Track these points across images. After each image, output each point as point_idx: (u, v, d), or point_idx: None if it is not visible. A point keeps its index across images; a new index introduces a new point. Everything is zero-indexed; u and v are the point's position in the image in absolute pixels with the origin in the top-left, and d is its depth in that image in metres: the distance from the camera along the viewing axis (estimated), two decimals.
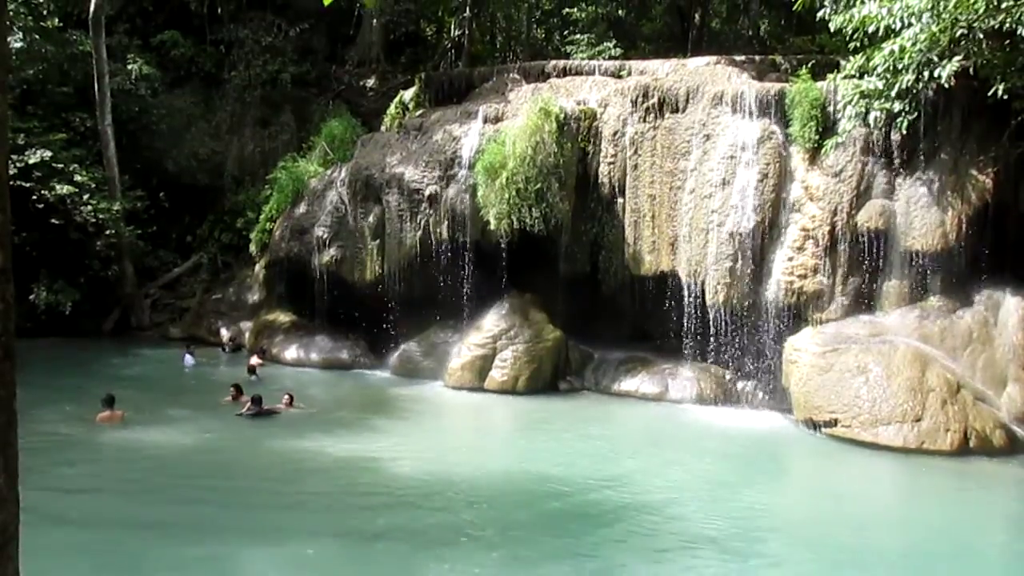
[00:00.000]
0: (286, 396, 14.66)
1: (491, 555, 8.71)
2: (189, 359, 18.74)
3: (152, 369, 18.62)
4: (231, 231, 23.95)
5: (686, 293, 16.62)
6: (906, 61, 13.86)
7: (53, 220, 20.82)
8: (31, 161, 20.48)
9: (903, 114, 14.56)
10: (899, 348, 14.06)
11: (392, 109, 22.25)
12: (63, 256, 21.31)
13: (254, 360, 19.06)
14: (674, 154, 16.77)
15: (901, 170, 15.28)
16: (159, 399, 15.20)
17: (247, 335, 21.18)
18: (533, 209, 16.84)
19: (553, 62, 21.00)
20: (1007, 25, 12.76)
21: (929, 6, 13.21)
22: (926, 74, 13.78)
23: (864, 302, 15.44)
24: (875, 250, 15.31)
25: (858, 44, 14.68)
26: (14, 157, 20.07)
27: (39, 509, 8.18)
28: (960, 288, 14.93)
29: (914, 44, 13.58)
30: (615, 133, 17.45)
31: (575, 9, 26.55)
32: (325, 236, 19.29)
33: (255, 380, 16.76)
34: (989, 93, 13.41)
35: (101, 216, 21.35)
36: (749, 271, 15.91)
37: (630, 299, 17.94)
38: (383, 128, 21.94)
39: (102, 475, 10.89)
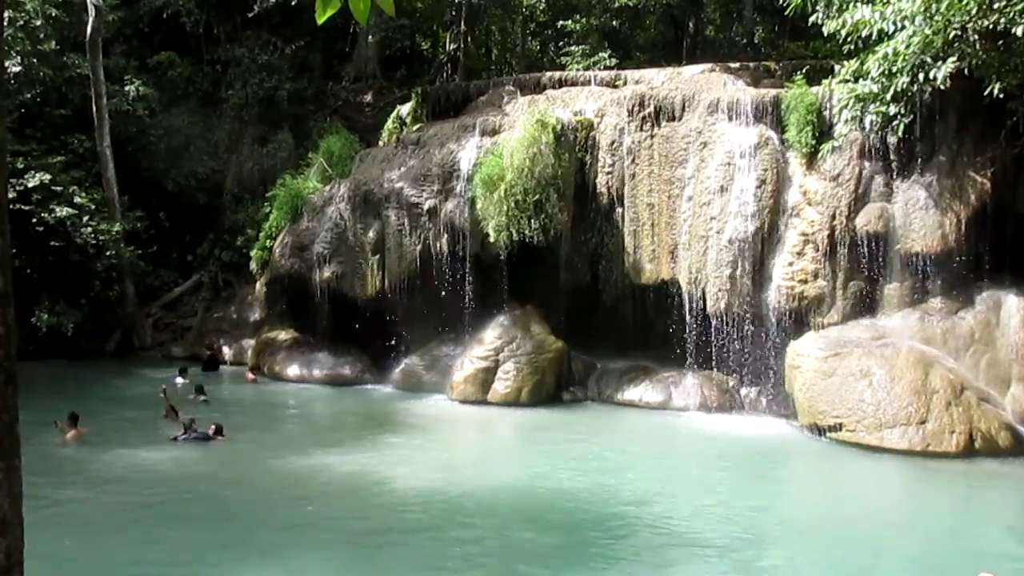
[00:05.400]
0: (212, 426, 13.82)
1: (496, 569, 8.67)
2: (179, 380, 18.58)
3: (154, 389, 18.55)
4: (231, 249, 23.97)
5: (687, 301, 16.62)
6: (900, 64, 13.91)
7: (53, 242, 20.86)
8: (30, 184, 20.53)
9: (899, 117, 14.59)
10: (902, 351, 14.04)
11: (389, 124, 22.32)
12: (64, 278, 21.32)
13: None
14: (672, 162, 16.80)
15: (899, 173, 15.30)
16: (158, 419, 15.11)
17: (248, 352, 21.18)
18: (532, 220, 16.85)
19: (548, 74, 21.08)
20: (1000, 25, 12.80)
21: (922, 9, 13.26)
22: (921, 76, 13.82)
23: (865, 305, 15.43)
24: (875, 253, 15.31)
25: (852, 48, 14.73)
26: (13, 180, 20.12)
27: (39, 532, 8.15)
28: (961, 289, 14.92)
29: (908, 47, 13.62)
30: (612, 143, 17.48)
31: (569, 21, 26.65)
32: (325, 252, 19.31)
33: (204, 400, 16.30)
34: (984, 93, 13.44)
35: (101, 237, 21.39)
36: (749, 277, 15.91)
37: (631, 308, 17.94)
38: (381, 143, 22.02)
39: (110, 497, 10.84)
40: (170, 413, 14.69)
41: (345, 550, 9.11)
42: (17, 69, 21.93)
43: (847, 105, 14.97)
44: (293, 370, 19.45)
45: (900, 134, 14.82)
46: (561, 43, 28.00)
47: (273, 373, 19.55)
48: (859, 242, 15.34)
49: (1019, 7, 12.44)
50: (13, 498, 2.55)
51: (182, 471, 12.04)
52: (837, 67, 15.63)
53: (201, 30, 27.05)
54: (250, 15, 26.23)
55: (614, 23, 26.35)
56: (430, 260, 18.45)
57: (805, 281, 15.63)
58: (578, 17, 26.48)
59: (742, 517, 10.28)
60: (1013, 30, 12.57)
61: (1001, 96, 13.43)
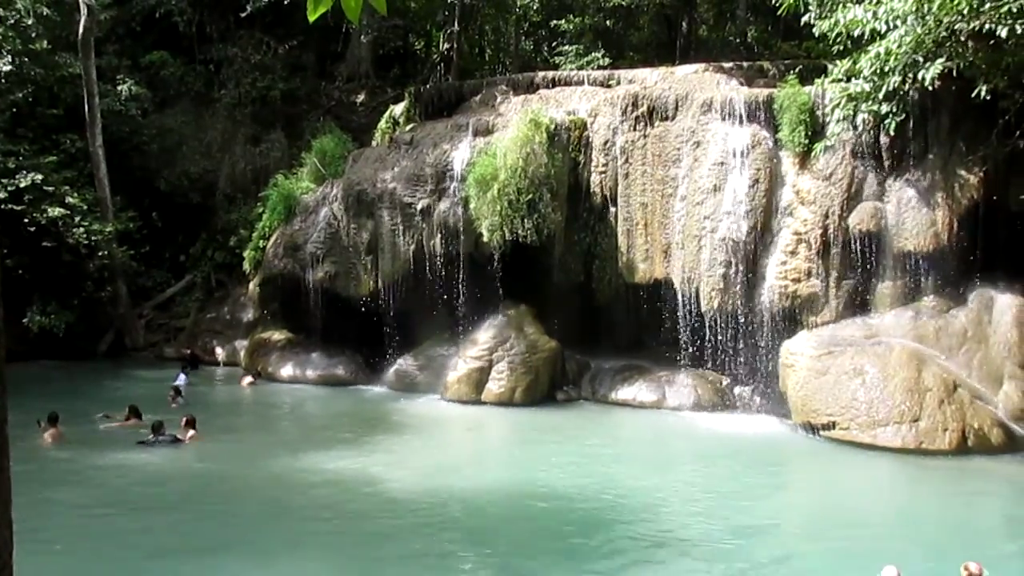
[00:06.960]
0: (184, 418, 13.61)
1: (490, 568, 8.67)
2: (182, 377, 18.56)
3: (146, 390, 18.49)
4: (224, 249, 23.92)
5: (680, 300, 16.63)
6: (892, 63, 13.94)
7: (45, 243, 20.79)
8: (22, 184, 20.46)
9: (891, 116, 14.62)
10: (895, 349, 14.08)
11: (382, 124, 22.29)
12: (56, 278, 21.25)
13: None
14: (665, 162, 16.81)
15: (891, 172, 15.33)
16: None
17: (242, 353, 21.12)
18: (525, 220, 16.84)
19: (542, 73, 21.09)
20: (988, 26, 12.84)
21: (913, 9, 13.29)
22: (912, 76, 13.85)
23: (858, 304, 15.46)
24: (868, 252, 15.35)
25: (844, 48, 14.76)
26: (5, 180, 20.09)
27: (34, 535, 8.12)
28: (953, 287, 14.97)
29: (899, 46, 13.65)
30: (605, 142, 17.49)
31: (563, 20, 26.67)
32: (318, 252, 19.27)
33: (183, 403, 16.12)
34: (973, 94, 13.48)
35: (94, 238, 21.31)
36: (743, 276, 15.92)
37: (625, 308, 17.94)
38: (374, 143, 21.98)
39: (108, 497, 10.80)
40: (131, 417, 14.27)
41: (337, 551, 9.09)
42: (8, 68, 21.85)
43: (839, 104, 15.00)
44: (286, 371, 19.41)
45: (892, 133, 14.85)
46: (555, 43, 28.04)
47: (266, 374, 19.50)
48: (852, 241, 15.37)
49: (1003, 9, 12.49)
50: (3, 500, 2.53)
51: (172, 472, 11.99)
52: (830, 66, 15.64)
53: (194, 29, 26.97)
54: (243, 15, 26.15)
55: (607, 23, 26.39)
56: (423, 260, 18.42)
57: (798, 280, 15.66)
58: (571, 17, 26.51)
59: (736, 515, 10.29)
60: (999, 31, 12.61)
61: (989, 97, 13.45)
